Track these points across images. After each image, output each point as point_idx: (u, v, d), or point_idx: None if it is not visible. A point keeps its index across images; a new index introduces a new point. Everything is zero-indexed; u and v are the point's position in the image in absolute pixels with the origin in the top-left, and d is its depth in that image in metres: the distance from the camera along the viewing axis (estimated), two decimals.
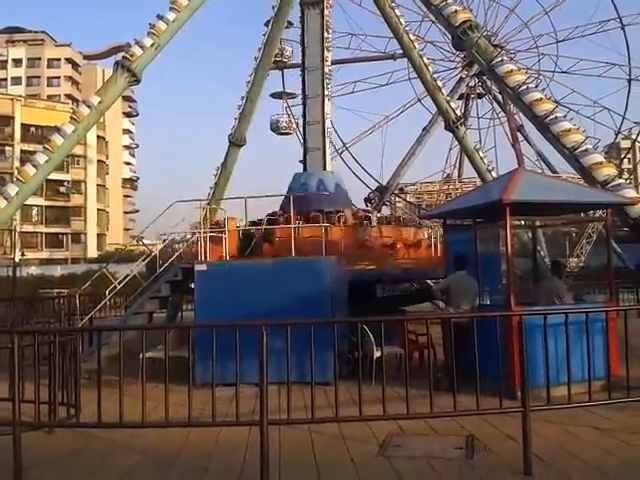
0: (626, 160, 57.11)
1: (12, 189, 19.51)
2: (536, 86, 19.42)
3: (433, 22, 34.04)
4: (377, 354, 9.33)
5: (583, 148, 16.19)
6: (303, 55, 23.34)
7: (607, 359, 7.35)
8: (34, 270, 49.54)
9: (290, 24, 31.97)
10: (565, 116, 18.42)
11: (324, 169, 22.19)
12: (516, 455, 5.72)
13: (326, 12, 23.34)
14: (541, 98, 17.09)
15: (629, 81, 39.04)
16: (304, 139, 23.43)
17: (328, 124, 23.38)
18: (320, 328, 6.45)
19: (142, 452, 6.67)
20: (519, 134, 40.68)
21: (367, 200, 40.71)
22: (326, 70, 23.17)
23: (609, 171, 15.88)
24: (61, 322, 15.62)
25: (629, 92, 38.92)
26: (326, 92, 23.05)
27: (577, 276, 35.37)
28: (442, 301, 10.54)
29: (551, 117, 16.69)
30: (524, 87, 17.29)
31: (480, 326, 6.42)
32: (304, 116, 23.34)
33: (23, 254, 48.42)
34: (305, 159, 23.09)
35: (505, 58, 21.11)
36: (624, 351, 6.66)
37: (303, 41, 23.28)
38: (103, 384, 6.25)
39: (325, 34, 23.17)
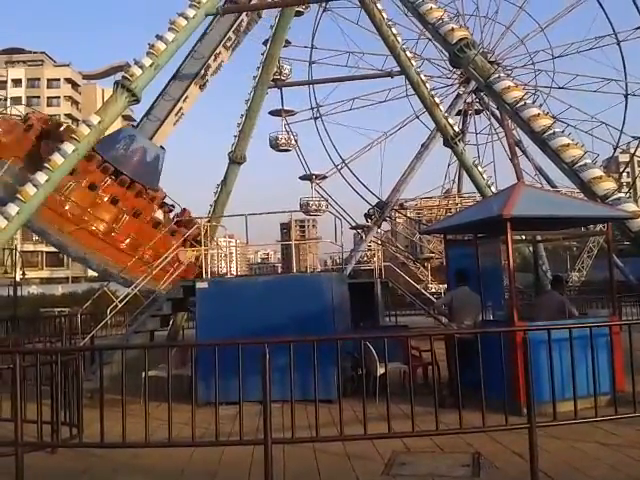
0: (625, 174, 57.29)
1: (13, 209, 19.45)
2: (533, 102, 19.53)
3: (430, 40, 34.32)
4: (381, 371, 9.28)
5: (582, 163, 16.21)
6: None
7: (612, 374, 7.30)
8: (35, 289, 49.59)
9: (288, 43, 32.31)
10: (563, 131, 18.52)
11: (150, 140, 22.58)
12: (523, 472, 5.67)
13: None
14: (539, 114, 17.14)
15: (626, 96, 39.27)
16: (152, 106, 23.39)
17: (183, 107, 23.34)
18: (323, 345, 6.42)
19: (146, 472, 6.60)
20: (517, 149, 40.82)
21: (367, 216, 40.79)
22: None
23: (609, 185, 15.90)
24: (62, 341, 15.56)
25: (626, 107, 39.16)
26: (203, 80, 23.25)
27: (579, 291, 35.35)
28: (445, 316, 10.49)
29: (549, 132, 16.73)
30: (522, 103, 17.35)
31: (484, 342, 6.39)
32: (163, 91, 23.29)
33: (24, 273, 48.30)
34: (141, 121, 23.70)
35: (502, 75, 21.22)
36: (629, 365, 6.64)
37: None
38: (105, 403, 6.23)
39: None
